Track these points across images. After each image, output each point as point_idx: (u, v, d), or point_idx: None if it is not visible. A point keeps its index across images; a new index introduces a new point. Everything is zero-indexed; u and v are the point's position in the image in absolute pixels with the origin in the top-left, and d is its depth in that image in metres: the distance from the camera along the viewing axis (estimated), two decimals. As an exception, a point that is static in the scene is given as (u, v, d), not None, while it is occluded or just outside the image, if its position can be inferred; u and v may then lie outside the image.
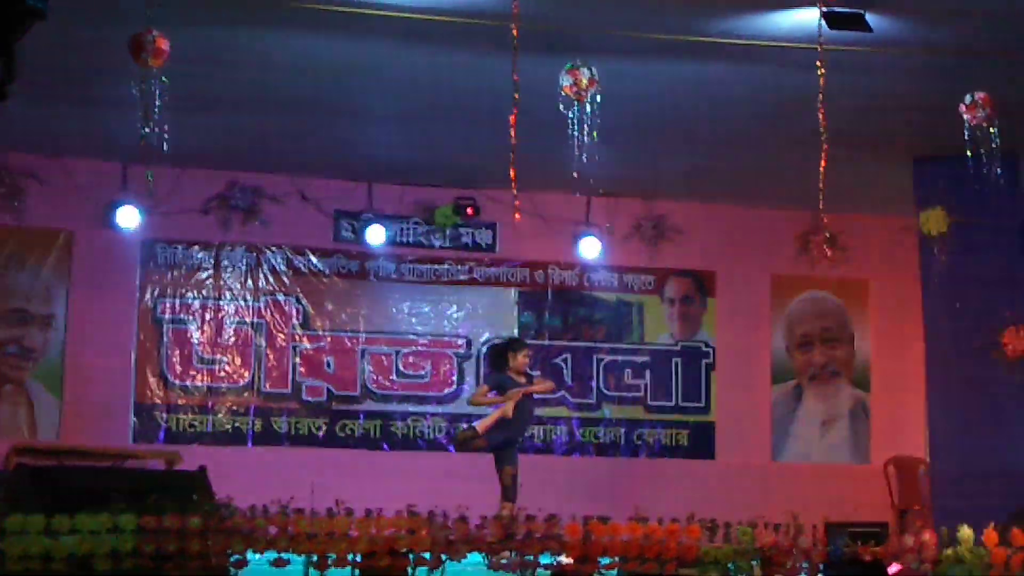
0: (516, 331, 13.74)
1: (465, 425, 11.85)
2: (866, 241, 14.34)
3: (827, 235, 12.25)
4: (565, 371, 14.11)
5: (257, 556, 7.53)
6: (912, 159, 12.37)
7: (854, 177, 12.15)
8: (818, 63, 8.90)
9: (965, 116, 9.35)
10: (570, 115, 9.04)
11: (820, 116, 9.01)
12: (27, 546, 7.10)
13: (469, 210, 13.80)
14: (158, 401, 13.19)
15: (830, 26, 8.84)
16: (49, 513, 7.29)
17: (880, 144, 11.97)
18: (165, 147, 8.94)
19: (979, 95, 9.28)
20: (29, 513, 7.26)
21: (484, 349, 13.43)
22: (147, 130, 8.60)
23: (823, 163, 9.15)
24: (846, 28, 8.89)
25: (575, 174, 10.13)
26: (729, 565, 7.72)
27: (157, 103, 8.61)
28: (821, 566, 7.94)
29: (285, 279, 13.62)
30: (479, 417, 11.38)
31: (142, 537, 7.23)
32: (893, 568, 7.88)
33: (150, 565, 7.24)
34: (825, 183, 9.25)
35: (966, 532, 7.92)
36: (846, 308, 14.85)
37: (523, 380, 11.09)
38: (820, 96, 8.97)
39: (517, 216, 9.54)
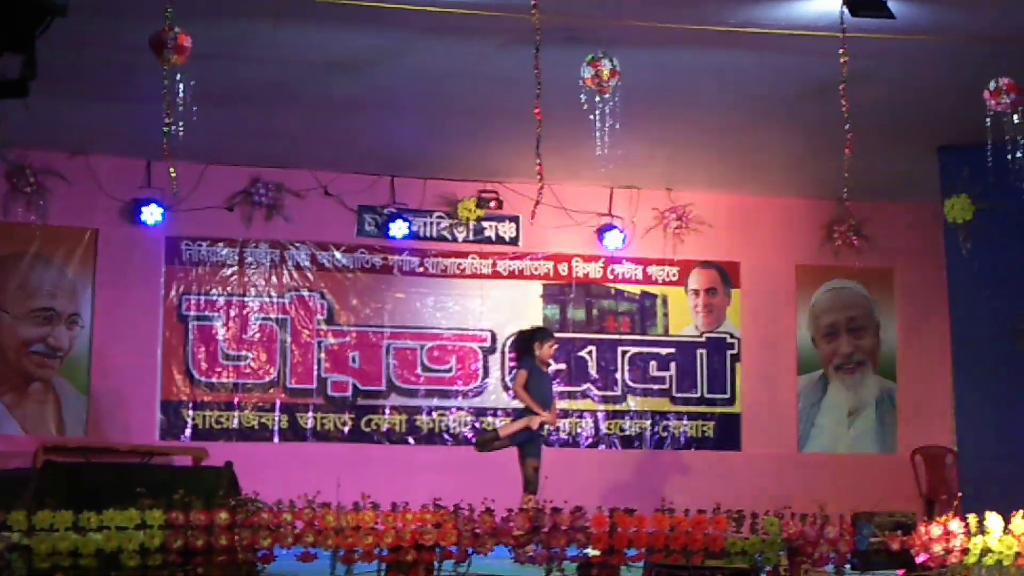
0: (540, 324, 13.69)
1: (489, 427, 11.87)
2: (891, 229, 14.30)
3: (852, 223, 12.20)
4: (590, 364, 14.10)
5: (284, 551, 7.54)
6: (936, 147, 12.32)
7: (878, 165, 12.10)
8: (841, 51, 8.86)
9: (989, 102, 9.29)
10: (593, 107, 9.02)
11: (843, 104, 8.97)
12: (55, 542, 7.12)
13: (492, 203, 13.79)
14: (184, 398, 13.23)
15: (852, 13, 8.80)
16: (77, 510, 7.32)
17: (904, 132, 11.92)
18: (188, 144, 8.97)
19: (1003, 81, 9.23)
20: (57, 510, 7.29)
21: (509, 340, 13.33)
22: (170, 127, 8.62)
23: (847, 151, 9.11)
24: (868, 15, 8.84)
25: (601, 166, 10.15)
26: (756, 556, 7.69)
27: (180, 99, 8.63)
28: (849, 556, 7.90)
29: (309, 275, 13.64)
30: (505, 412, 11.45)
31: (170, 533, 7.24)
32: (921, 558, 7.85)
33: (178, 560, 7.25)
34: (850, 172, 9.22)
35: (994, 520, 7.87)
36: (871, 297, 14.79)
37: (547, 370, 11.14)
38: (843, 84, 8.94)
39: (533, 212, 9.55)
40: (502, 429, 11.10)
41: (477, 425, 13.64)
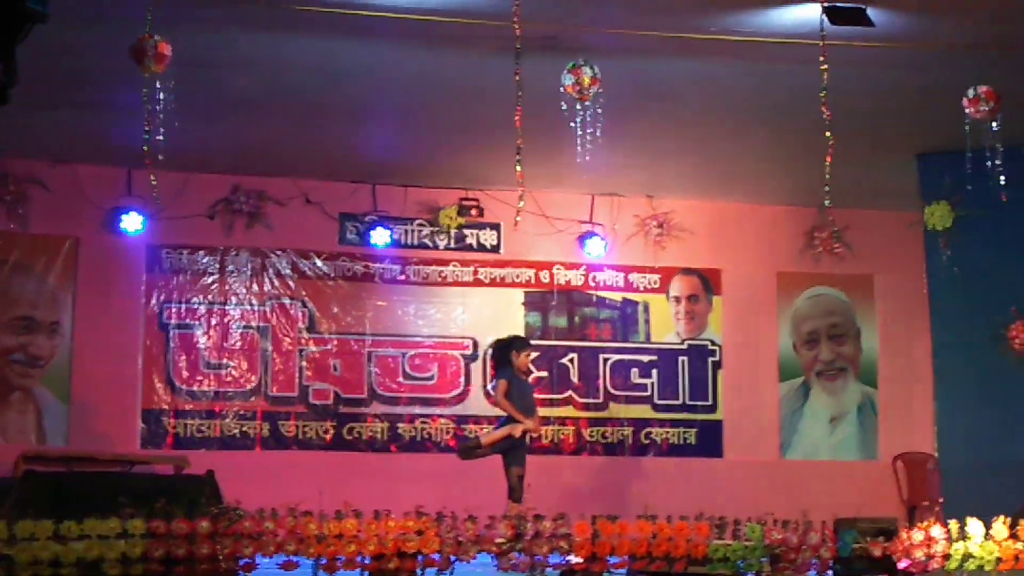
0: (522, 332, 13.70)
1: (471, 434, 11.87)
2: (871, 236, 14.34)
3: (833, 230, 12.23)
4: (572, 371, 14.10)
5: (266, 559, 7.53)
6: (916, 154, 12.38)
7: (858, 173, 12.15)
8: (821, 59, 8.89)
9: (968, 110, 9.33)
10: (574, 115, 9.03)
11: (824, 112, 8.99)
12: (37, 552, 7.11)
13: (473, 211, 13.80)
14: (165, 406, 13.19)
15: (832, 21, 8.84)
16: (58, 519, 7.30)
17: (884, 139, 11.97)
18: (169, 152, 8.95)
19: (982, 89, 9.26)
20: (38, 519, 7.27)
21: (489, 348, 13.31)
22: (151, 135, 8.60)
23: (829, 158, 9.14)
24: (848, 23, 8.89)
25: (582, 173, 10.17)
26: (738, 562, 7.71)
27: (160, 108, 8.61)
28: (831, 562, 7.92)
29: (290, 283, 13.62)
30: (487, 420, 11.44)
31: (151, 542, 7.23)
32: (903, 563, 7.87)
33: (159, 570, 7.24)
34: (830, 179, 9.24)
35: (976, 526, 7.91)
36: (852, 304, 14.83)
37: (526, 379, 11.18)
38: (823, 92, 8.96)
39: (516, 221, 9.55)
40: (485, 437, 11.10)
41: (460, 433, 13.63)
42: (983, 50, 9.53)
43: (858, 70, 9.86)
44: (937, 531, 7.87)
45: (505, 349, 11.24)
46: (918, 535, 7.87)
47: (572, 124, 9.05)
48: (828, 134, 9.05)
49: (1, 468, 11.85)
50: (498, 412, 11.45)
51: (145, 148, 8.61)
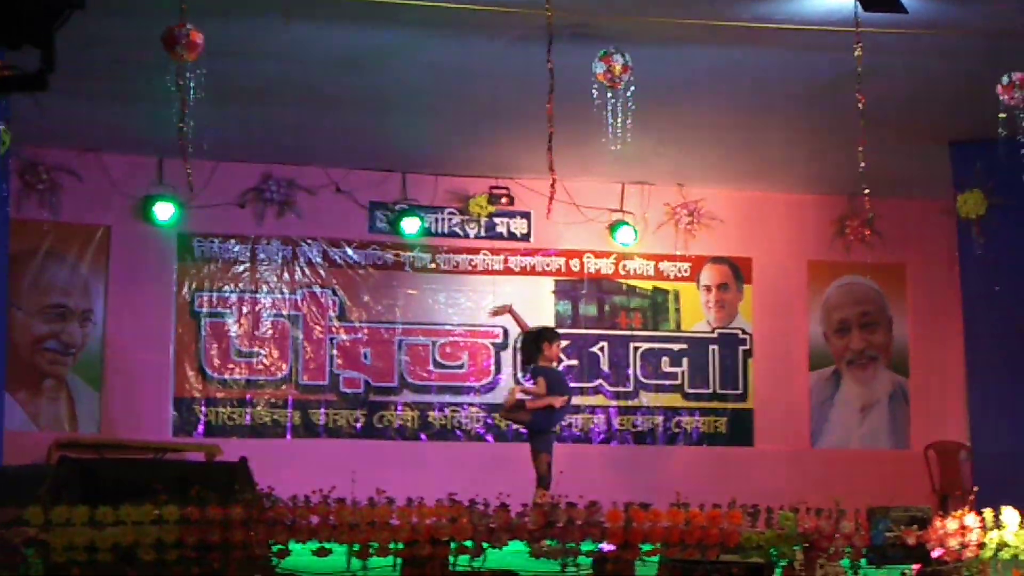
0: (552, 320, 13.72)
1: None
2: (903, 225, 14.28)
3: (867, 219, 12.17)
4: (602, 359, 14.10)
5: (299, 546, 7.55)
6: (949, 141, 12.30)
7: (890, 161, 12.07)
8: (855, 46, 8.84)
9: (1002, 97, 9.26)
10: (604, 103, 9.01)
11: (858, 99, 8.95)
12: (72, 537, 7.15)
13: (504, 199, 13.80)
14: (197, 395, 13.25)
15: (865, 8, 8.79)
16: (93, 505, 7.34)
17: (916, 127, 11.91)
18: (200, 140, 8.97)
19: (1016, 75, 9.20)
20: (73, 505, 7.31)
21: (518, 341, 13.27)
22: (184, 124, 8.62)
23: (861, 146, 9.09)
24: (881, 9, 8.83)
25: (612, 162, 10.15)
26: (771, 551, 7.68)
27: (191, 97, 8.63)
28: (864, 551, 7.89)
29: (321, 271, 13.65)
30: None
31: (185, 528, 7.26)
32: (937, 552, 7.84)
33: (193, 556, 7.27)
34: (865, 166, 9.20)
35: (1010, 515, 7.86)
36: (883, 292, 14.77)
37: (553, 366, 11.24)
38: (857, 80, 8.91)
39: (549, 209, 9.56)
40: (529, 403, 11.11)
41: (489, 421, 13.64)
42: (1018, 37, 9.46)
43: (891, 57, 9.81)
44: (971, 520, 7.83)
45: (536, 340, 11.28)
46: (952, 524, 7.83)
47: (603, 112, 9.03)
48: (861, 122, 9.00)
49: (35, 455, 11.96)
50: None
51: (180, 138, 8.61)
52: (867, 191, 9.39)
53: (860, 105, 8.95)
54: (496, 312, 12.11)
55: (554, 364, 11.42)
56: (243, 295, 13.47)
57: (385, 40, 10.02)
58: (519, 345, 12.93)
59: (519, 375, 13.39)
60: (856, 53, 8.88)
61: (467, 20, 9.36)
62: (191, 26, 8.34)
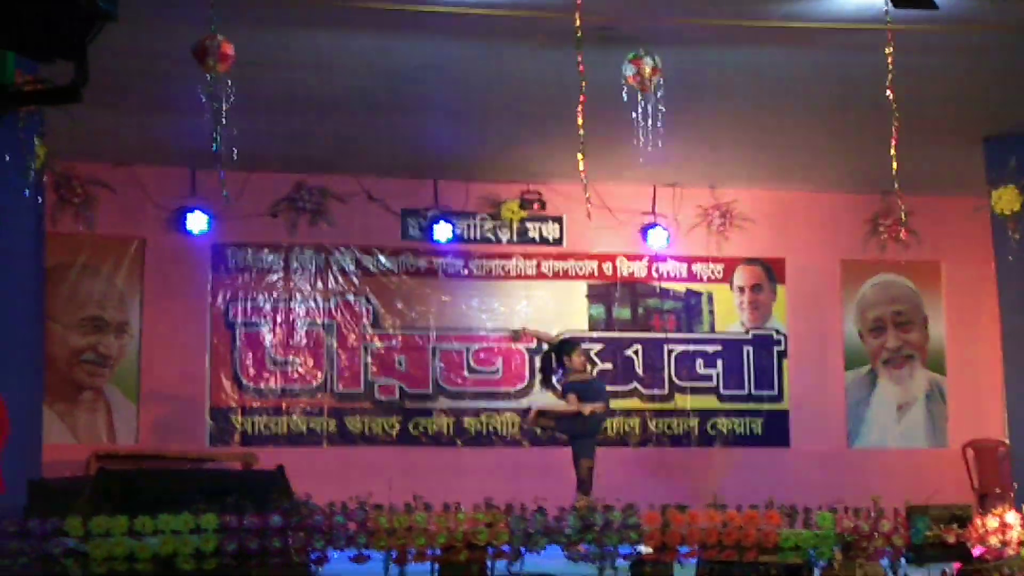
0: (586, 324, 13.72)
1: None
2: (937, 222, 14.20)
3: (901, 216, 12.10)
4: (636, 362, 14.07)
5: (337, 553, 7.58)
6: (982, 138, 12.22)
7: (923, 158, 12.01)
8: (887, 42, 8.80)
9: (1035, 92, 9.22)
10: (635, 105, 9.00)
11: (889, 96, 8.90)
12: (112, 548, 7.20)
13: (536, 204, 13.80)
14: (233, 404, 13.30)
15: (895, 5, 8.74)
16: (132, 515, 7.38)
17: (949, 124, 11.84)
18: (232, 151, 9.02)
19: (1049, 70, 9.15)
20: (112, 516, 7.36)
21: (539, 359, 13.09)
22: (218, 134, 8.66)
23: (894, 143, 9.05)
24: (911, 6, 8.78)
25: (643, 165, 10.13)
26: (810, 551, 7.66)
27: (223, 107, 8.68)
28: (904, 550, 7.85)
29: (354, 279, 13.69)
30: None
31: (224, 536, 7.29)
32: (978, 550, 7.79)
33: (232, 564, 7.30)
34: (897, 164, 9.15)
35: (1051, 512, 7.82)
36: (918, 291, 14.69)
37: (583, 375, 11.28)
38: (889, 77, 8.87)
39: (588, 213, 9.57)
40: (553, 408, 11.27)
41: (525, 426, 13.63)
42: (1049, 31, 9.41)
43: (922, 54, 9.76)
44: (1012, 517, 7.79)
45: (557, 354, 11.39)
46: (992, 522, 7.79)
47: (633, 115, 9.02)
48: (894, 118, 8.96)
49: (74, 467, 12.02)
50: (563, 405, 11.49)
51: (219, 149, 8.64)
52: (897, 188, 9.32)
53: (892, 103, 8.89)
54: (514, 338, 12.20)
55: (585, 372, 11.44)
56: (277, 304, 13.52)
57: (415, 48, 10.03)
58: (539, 365, 12.80)
59: (540, 387, 13.19)
60: (887, 50, 8.83)
61: (496, 26, 9.37)
62: (222, 37, 8.39)
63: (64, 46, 4.58)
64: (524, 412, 13.09)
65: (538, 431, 12.90)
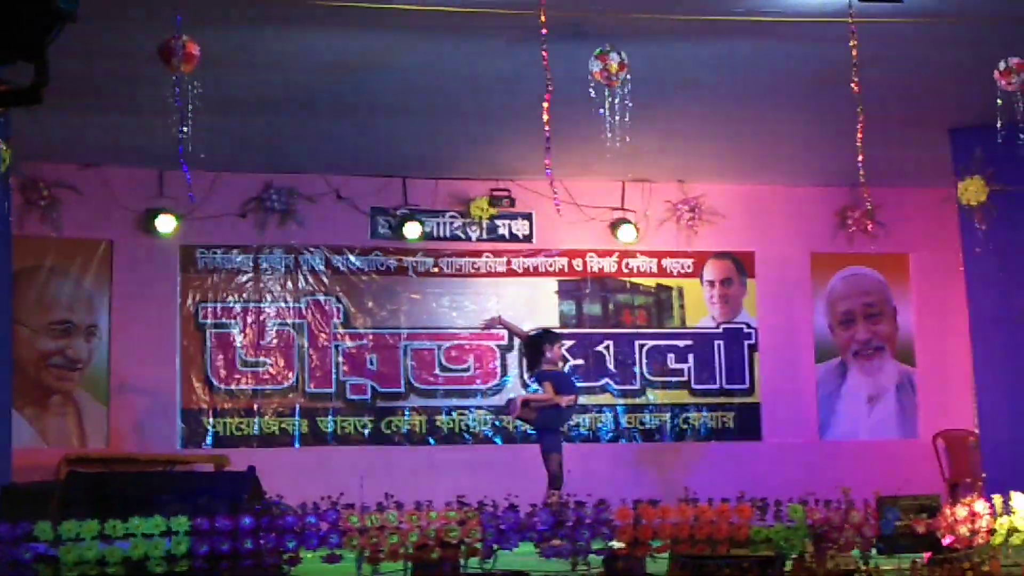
0: (557, 320, 13.74)
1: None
2: (905, 214, 14.27)
3: (867, 209, 12.15)
4: (608, 358, 14.09)
5: (310, 553, 7.55)
6: (948, 129, 12.28)
7: (890, 150, 12.07)
8: (852, 34, 8.82)
9: (1000, 83, 9.26)
10: (602, 101, 9.00)
11: (854, 89, 8.93)
12: (82, 552, 7.15)
13: (505, 201, 13.80)
14: (204, 406, 13.26)
15: (859, -2, 8.78)
16: (103, 519, 7.34)
17: (915, 116, 11.89)
18: (200, 152, 8.97)
19: (1013, 61, 9.19)
20: (83, 520, 7.32)
21: (520, 345, 13.21)
22: (183, 135, 8.62)
23: (859, 136, 9.08)
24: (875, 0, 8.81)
25: (612, 160, 10.13)
26: (781, 543, 7.68)
27: (190, 108, 8.64)
28: (874, 541, 7.88)
29: (324, 279, 13.67)
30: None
31: (195, 538, 7.26)
32: (947, 540, 7.83)
33: (204, 566, 7.27)
34: (863, 156, 9.19)
35: (1021, 500, 7.85)
36: (887, 282, 14.77)
37: (562, 369, 11.31)
38: (854, 70, 8.90)
39: (558, 209, 9.56)
40: (534, 401, 11.23)
41: (497, 424, 13.63)
42: (1013, 22, 9.44)
43: (887, 47, 9.79)
44: (981, 506, 7.82)
45: (538, 344, 11.35)
46: (962, 511, 7.82)
47: (601, 111, 9.03)
48: (859, 112, 8.99)
49: (44, 471, 11.96)
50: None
51: (185, 149, 8.61)
52: (861, 183, 9.36)
53: (856, 94, 8.92)
54: (487, 325, 12.23)
55: (559, 366, 11.48)
56: (247, 305, 13.49)
57: (380, 45, 10.01)
58: (522, 350, 12.87)
59: (526, 377, 13.33)
60: (851, 43, 8.86)
61: (462, 23, 9.35)
62: (187, 37, 8.35)
63: (23, 47, 4.55)
64: (505, 405, 13.08)
65: (511, 427, 12.90)
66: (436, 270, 13.89)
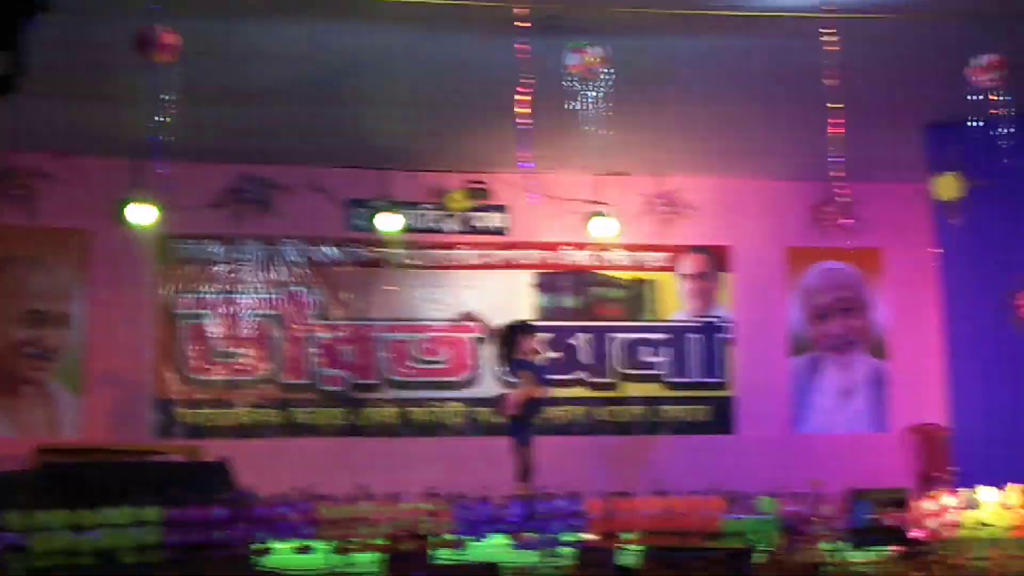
0: (532, 313, 13.74)
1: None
2: (880, 209, 14.30)
3: (842, 204, 12.18)
4: (582, 351, 14.10)
5: (280, 545, 7.57)
6: (923, 125, 12.33)
7: (865, 146, 12.04)
8: (825, 32, 8.85)
9: (975, 79, 9.30)
10: (579, 95, 9.02)
11: (829, 85, 8.96)
12: (53, 542, 7.15)
13: (481, 194, 13.79)
14: (178, 396, 13.22)
15: (834, -6, 8.80)
16: (74, 510, 7.34)
17: (890, 111, 11.92)
18: (177, 141, 8.96)
19: (988, 58, 9.23)
20: (55, 510, 7.31)
21: (493, 335, 13.20)
22: (159, 125, 8.60)
23: (832, 131, 9.12)
24: (851, -5, 8.85)
25: (588, 154, 10.15)
26: (752, 535, 7.73)
27: (166, 98, 8.62)
28: (844, 533, 7.94)
29: (300, 270, 13.64)
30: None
31: (167, 529, 7.27)
32: (916, 532, 7.89)
33: (176, 556, 7.28)
34: (838, 152, 9.22)
35: (987, 494, 7.92)
36: (861, 277, 14.83)
37: (535, 359, 11.29)
38: (828, 66, 8.93)
39: (535, 201, 9.57)
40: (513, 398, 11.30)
41: (472, 416, 13.63)
42: (987, 19, 9.48)
43: (863, 43, 9.79)
44: (949, 500, 7.89)
45: (512, 335, 11.36)
46: (930, 504, 7.89)
47: (577, 104, 9.03)
48: (831, 106, 9.02)
49: (15, 461, 11.89)
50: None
51: (163, 139, 8.59)
52: (835, 179, 9.40)
53: (830, 90, 8.95)
54: (465, 319, 12.30)
55: (530, 357, 11.49)
56: (222, 296, 13.45)
57: (359, 37, 10.00)
58: (495, 341, 12.85)
59: (499, 369, 13.34)
60: (826, 39, 8.89)
61: (440, 15, 9.34)
62: (163, 27, 8.33)
63: (-1, 36, 4.55)
64: (497, 402, 13.06)
65: (483, 420, 12.92)
66: (411, 262, 13.87)
